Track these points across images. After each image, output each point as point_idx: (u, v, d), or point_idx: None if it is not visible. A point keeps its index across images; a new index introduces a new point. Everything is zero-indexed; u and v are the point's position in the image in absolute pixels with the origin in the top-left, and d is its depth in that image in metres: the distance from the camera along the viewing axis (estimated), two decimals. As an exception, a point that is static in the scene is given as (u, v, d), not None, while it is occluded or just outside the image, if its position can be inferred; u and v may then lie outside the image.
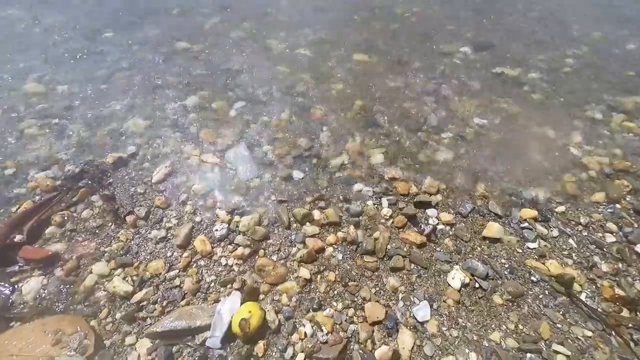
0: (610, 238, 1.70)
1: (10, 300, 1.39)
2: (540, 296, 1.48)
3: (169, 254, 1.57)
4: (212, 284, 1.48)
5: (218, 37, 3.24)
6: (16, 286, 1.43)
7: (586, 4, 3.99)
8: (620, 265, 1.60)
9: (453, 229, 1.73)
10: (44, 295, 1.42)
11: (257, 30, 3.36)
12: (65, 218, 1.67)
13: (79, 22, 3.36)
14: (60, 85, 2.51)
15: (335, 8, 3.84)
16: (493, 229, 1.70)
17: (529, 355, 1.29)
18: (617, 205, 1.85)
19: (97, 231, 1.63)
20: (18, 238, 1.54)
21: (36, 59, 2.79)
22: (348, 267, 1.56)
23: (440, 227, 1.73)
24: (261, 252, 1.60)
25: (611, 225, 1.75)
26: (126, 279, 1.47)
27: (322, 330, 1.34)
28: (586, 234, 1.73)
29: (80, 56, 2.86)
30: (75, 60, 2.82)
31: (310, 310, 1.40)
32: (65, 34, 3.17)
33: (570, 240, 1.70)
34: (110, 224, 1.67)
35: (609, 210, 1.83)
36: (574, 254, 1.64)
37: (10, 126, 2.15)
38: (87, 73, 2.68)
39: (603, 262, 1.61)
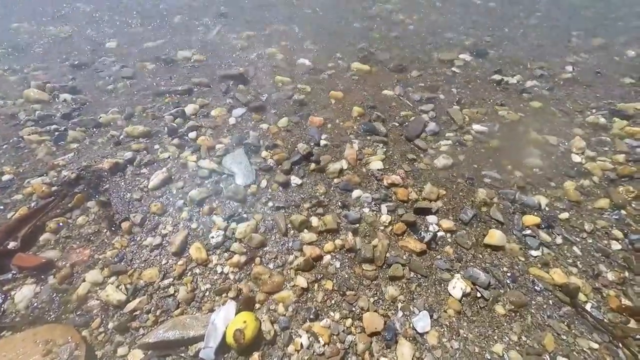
0: (615, 245, 1.66)
1: (2, 309, 1.36)
2: (544, 306, 1.44)
3: (163, 261, 1.55)
4: (207, 293, 1.45)
5: (219, 45, 3.27)
6: (8, 294, 1.40)
7: (585, 11, 4.01)
8: (626, 274, 1.55)
9: (454, 237, 1.69)
10: (36, 303, 1.39)
11: (257, 39, 3.39)
12: (61, 224, 1.65)
13: (84, 32, 3.41)
14: (61, 93, 2.53)
15: (335, 16, 3.88)
16: (495, 236, 1.66)
17: (533, 368, 1.25)
18: (623, 212, 1.81)
19: (92, 238, 1.62)
20: (12, 245, 1.53)
21: (39, 68, 2.82)
22: (346, 276, 1.53)
23: (440, 234, 1.70)
24: (257, 259, 1.57)
25: (617, 232, 1.71)
26: (120, 287, 1.44)
27: (318, 342, 1.30)
28: (591, 241, 1.69)
29: (83, 64, 2.89)
30: (77, 68, 2.85)
31: (307, 320, 1.37)
32: (69, 43, 3.21)
33: (575, 248, 1.66)
34: (105, 230, 1.65)
35: (614, 216, 1.79)
36: (578, 262, 1.60)
37: (10, 132, 2.16)
38: (89, 81, 2.71)
39: (609, 270, 1.56)
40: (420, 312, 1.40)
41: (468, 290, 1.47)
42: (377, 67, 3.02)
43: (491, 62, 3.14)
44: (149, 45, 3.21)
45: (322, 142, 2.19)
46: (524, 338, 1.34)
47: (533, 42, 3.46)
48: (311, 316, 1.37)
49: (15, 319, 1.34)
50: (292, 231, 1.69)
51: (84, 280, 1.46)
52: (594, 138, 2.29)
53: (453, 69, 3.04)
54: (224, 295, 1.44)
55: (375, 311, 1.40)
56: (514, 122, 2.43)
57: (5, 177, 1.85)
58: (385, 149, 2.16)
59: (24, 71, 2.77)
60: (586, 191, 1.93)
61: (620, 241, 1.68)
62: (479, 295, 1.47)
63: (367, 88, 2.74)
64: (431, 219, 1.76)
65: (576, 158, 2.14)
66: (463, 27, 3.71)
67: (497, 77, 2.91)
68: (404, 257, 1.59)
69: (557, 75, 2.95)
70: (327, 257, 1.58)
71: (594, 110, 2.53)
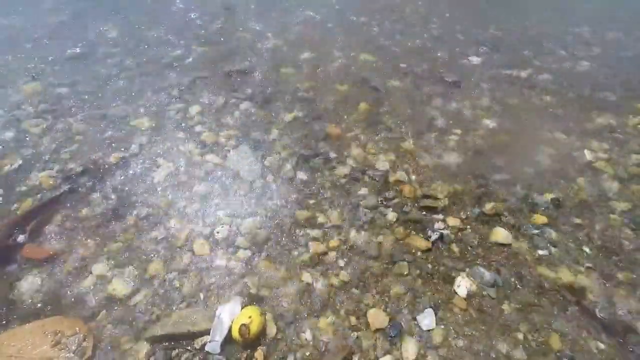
0: (626, 245, 1.63)
1: (10, 300, 1.38)
2: (551, 306, 1.43)
3: (169, 255, 1.55)
4: (212, 287, 1.45)
5: (223, 38, 3.23)
6: (16, 286, 1.42)
7: (597, 5, 3.89)
8: (636, 274, 1.53)
9: (460, 234, 1.68)
10: (43, 295, 1.40)
11: (261, 32, 3.34)
12: (69, 216, 1.66)
13: (85, 24, 3.38)
14: (65, 86, 2.52)
15: (341, 10, 3.80)
16: (500, 234, 1.64)
17: (538, 368, 1.24)
18: (636, 210, 1.77)
19: (97, 231, 1.62)
20: (20, 237, 1.54)
21: (42, 60, 2.81)
22: (351, 273, 1.52)
23: (446, 232, 1.68)
24: (263, 254, 1.57)
25: (627, 232, 1.68)
26: (125, 280, 1.45)
27: (323, 338, 1.30)
28: (600, 241, 1.66)
29: (86, 58, 2.87)
30: (79, 60, 2.83)
31: (312, 316, 1.37)
32: (69, 36, 3.18)
33: (584, 247, 1.63)
34: (110, 223, 1.65)
35: (625, 215, 1.76)
36: (587, 262, 1.58)
37: (15, 125, 2.16)
38: (93, 74, 2.69)
39: (618, 271, 1.54)
40: (425, 309, 1.40)
41: (474, 288, 1.46)
42: (384, 60, 2.96)
43: (502, 56, 3.06)
44: (154, 37, 3.17)
45: (329, 137, 2.16)
46: (529, 337, 1.33)
47: (545, 36, 3.37)
48: (316, 312, 1.37)
49: (22, 310, 1.36)
50: (297, 227, 1.68)
51: (90, 273, 1.47)
52: (605, 135, 2.24)
53: (463, 61, 2.97)
54: (229, 289, 1.44)
55: (380, 308, 1.40)
56: (525, 117, 2.38)
57: (11, 169, 1.85)
58: (392, 145, 2.13)
59: (25, 63, 2.75)
60: (597, 190, 1.90)
61: (630, 241, 1.65)
62: (484, 293, 1.46)
63: (374, 81, 2.69)
64: (437, 216, 1.74)
65: (587, 156, 2.09)
66: (473, 21, 3.61)
67: (507, 71, 2.84)
68: (410, 255, 1.58)
69: (570, 71, 2.88)
70: (332, 254, 1.58)
71: (606, 107, 2.46)
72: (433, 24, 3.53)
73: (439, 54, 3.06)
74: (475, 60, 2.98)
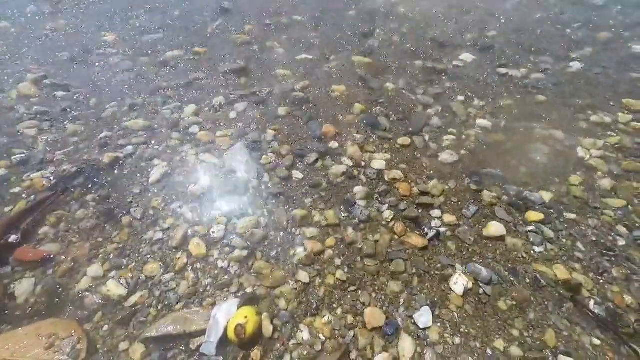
0: (620, 242, 1.65)
1: (4, 303, 1.36)
2: (547, 302, 1.43)
3: (164, 256, 1.54)
4: (209, 288, 1.45)
5: (219, 39, 3.22)
6: (9, 288, 1.40)
7: (588, 6, 3.93)
8: (630, 270, 1.54)
9: (456, 232, 1.68)
10: (37, 297, 1.39)
11: (257, 33, 3.34)
12: (63, 217, 1.65)
13: (80, 25, 3.36)
14: (59, 86, 2.50)
15: (336, 12, 3.81)
16: (492, 228, 1.66)
17: (534, 364, 1.25)
18: (629, 207, 1.79)
19: (91, 232, 1.61)
20: (13, 238, 1.52)
21: (35, 61, 2.79)
22: (348, 271, 1.52)
23: (443, 229, 1.68)
24: (259, 254, 1.56)
25: (621, 228, 1.70)
26: (120, 281, 1.44)
27: (320, 337, 1.30)
28: (595, 237, 1.67)
29: (80, 58, 2.85)
30: (74, 62, 2.81)
31: (309, 315, 1.37)
32: (65, 36, 3.16)
33: (579, 244, 1.64)
34: (105, 225, 1.64)
35: (618, 212, 1.78)
36: (582, 258, 1.59)
37: (7, 126, 2.14)
38: (87, 75, 2.67)
39: (613, 267, 1.55)
40: (422, 307, 1.40)
41: (470, 286, 1.46)
42: (378, 60, 2.97)
43: (496, 56, 3.08)
44: (149, 38, 3.16)
45: (324, 137, 2.16)
46: (525, 334, 1.34)
47: (538, 36, 3.39)
48: (313, 311, 1.37)
49: (15, 313, 1.34)
50: (293, 226, 1.68)
51: (84, 275, 1.46)
52: (599, 133, 2.25)
53: (457, 62, 2.99)
54: (225, 289, 1.44)
55: (377, 307, 1.40)
56: (519, 116, 2.39)
57: (2, 171, 1.84)
58: (387, 144, 2.14)
59: (19, 65, 2.73)
60: (591, 187, 1.91)
61: (625, 237, 1.66)
62: (481, 291, 1.46)
63: (369, 81, 2.70)
64: (434, 214, 1.75)
65: (581, 153, 2.11)
66: (466, 20, 3.64)
67: (501, 70, 2.86)
68: (406, 253, 1.58)
69: (563, 70, 2.90)
70: (328, 252, 1.58)
71: (599, 105, 2.47)
72: (427, 24, 3.54)
73: (433, 54, 3.07)
74: (469, 59, 2.99)
